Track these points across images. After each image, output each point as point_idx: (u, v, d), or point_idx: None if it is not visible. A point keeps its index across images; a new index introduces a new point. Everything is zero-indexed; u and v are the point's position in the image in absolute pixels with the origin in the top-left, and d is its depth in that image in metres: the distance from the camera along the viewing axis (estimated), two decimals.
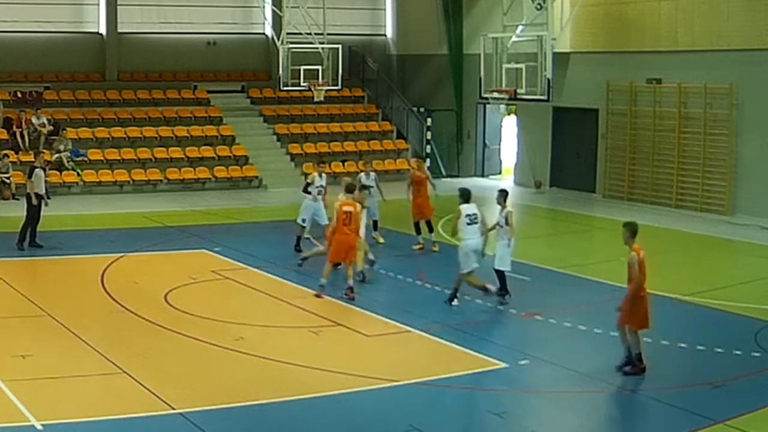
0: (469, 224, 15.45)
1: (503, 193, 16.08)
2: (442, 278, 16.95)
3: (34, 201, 19.68)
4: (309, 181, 19.74)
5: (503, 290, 15.83)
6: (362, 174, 20.59)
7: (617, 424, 11.17)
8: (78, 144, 28.81)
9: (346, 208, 16.07)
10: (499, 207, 15.95)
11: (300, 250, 19.29)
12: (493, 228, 15.91)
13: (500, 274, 15.83)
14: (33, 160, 27.07)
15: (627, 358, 12.20)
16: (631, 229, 12.31)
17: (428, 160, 32.50)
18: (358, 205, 16.33)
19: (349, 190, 16.59)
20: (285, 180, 29.28)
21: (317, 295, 15.93)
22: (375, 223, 20.51)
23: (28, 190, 20.00)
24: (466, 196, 15.71)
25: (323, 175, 19.88)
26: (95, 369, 12.02)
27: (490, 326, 14.79)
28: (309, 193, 19.53)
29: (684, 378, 12.22)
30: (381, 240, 20.52)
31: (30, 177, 20.06)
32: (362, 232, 17.40)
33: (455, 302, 15.62)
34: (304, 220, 19.60)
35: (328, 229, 17.06)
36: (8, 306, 15.03)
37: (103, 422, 10.31)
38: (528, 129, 31.18)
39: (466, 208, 15.55)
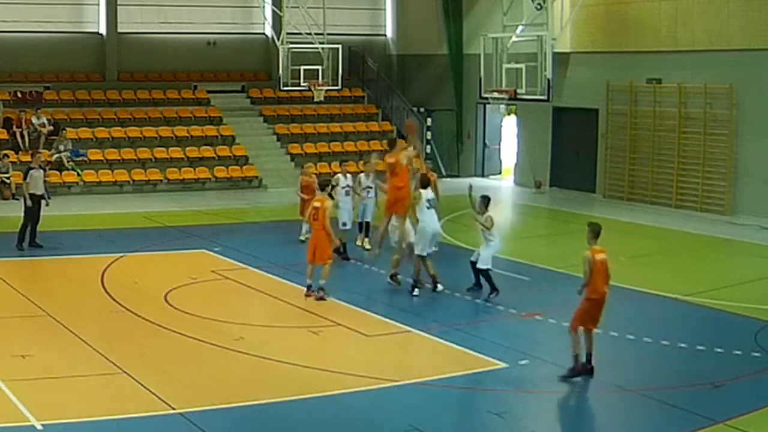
0: (428, 208, 16.05)
1: (485, 200, 16.19)
2: (443, 278, 16.96)
3: (29, 202, 19.58)
4: (333, 183, 19.26)
5: (492, 289, 15.99)
6: (362, 175, 20.34)
7: (617, 424, 11.15)
8: (78, 144, 28.82)
9: (314, 204, 16.06)
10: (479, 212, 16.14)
11: (347, 258, 18.97)
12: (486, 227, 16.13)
13: (485, 274, 15.98)
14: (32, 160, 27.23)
15: (588, 357, 12.06)
16: (593, 230, 12.15)
17: (428, 160, 32.52)
18: (328, 200, 16.13)
19: (322, 186, 16.60)
20: (285, 180, 29.27)
21: (307, 295, 15.92)
22: (367, 224, 20.16)
23: (23, 191, 19.95)
24: (425, 182, 16.43)
25: (348, 175, 19.66)
26: (95, 369, 12.01)
27: (490, 326, 14.77)
28: (331, 197, 18.76)
29: (684, 378, 12.22)
30: (368, 246, 19.88)
31: (25, 178, 19.98)
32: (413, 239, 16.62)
33: (416, 291, 16.08)
34: (345, 224, 19.25)
35: None
36: (8, 306, 15.03)
37: (103, 422, 10.30)
38: (528, 129, 31.18)
39: (426, 193, 16.20)
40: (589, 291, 11.99)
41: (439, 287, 16.31)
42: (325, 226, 15.78)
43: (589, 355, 12.09)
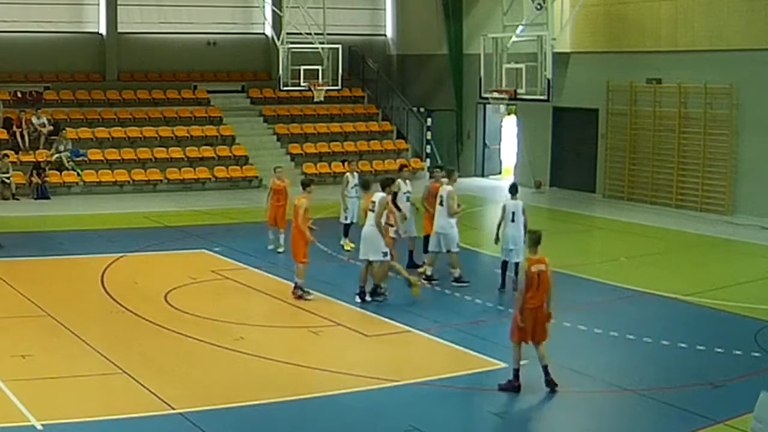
0: (371, 210, 15.71)
1: (512, 187, 16.84)
2: (443, 279, 16.97)
3: None
4: (395, 190, 18.15)
5: (501, 283, 16.38)
6: (348, 174, 20.35)
7: (617, 424, 11.16)
8: (78, 144, 28.82)
9: (295, 202, 16.04)
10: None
11: (417, 265, 17.96)
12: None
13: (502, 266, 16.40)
14: (33, 160, 27.28)
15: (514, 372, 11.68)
16: (532, 239, 11.99)
17: (428, 160, 32.57)
18: (304, 200, 15.88)
19: (305, 185, 16.37)
20: None
21: (299, 296, 15.85)
22: (347, 226, 20.01)
23: None
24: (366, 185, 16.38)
25: (408, 181, 18.66)
26: (95, 369, 12.02)
27: (490, 326, 14.76)
28: (397, 206, 17.99)
29: (684, 378, 12.22)
30: (349, 246, 19.62)
31: None
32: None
33: (372, 297, 15.66)
34: (405, 232, 18.25)
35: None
36: (8, 306, 15.03)
37: (103, 422, 10.31)
38: (528, 129, 31.18)
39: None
40: (523, 299, 11.70)
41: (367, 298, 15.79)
42: (298, 225, 15.66)
43: (516, 371, 11.64)
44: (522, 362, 12.62)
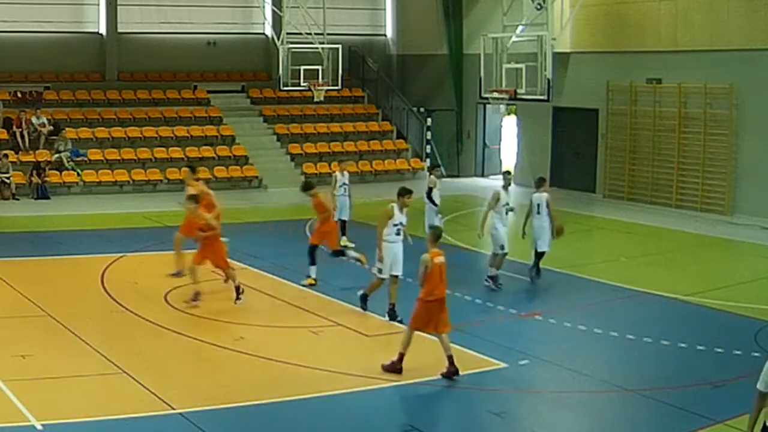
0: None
1: (540, 180, 17.85)
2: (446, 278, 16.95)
3: None
4: (431, 186, 19.02)
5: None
6: (337, 173, 20.47)
7: (617, 424, 11.16)
8: (78, 144, 28.82)
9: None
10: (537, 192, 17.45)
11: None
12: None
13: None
14: (33, 160, 27.27)
15: (449, 359, 11.90)
16: (434, 234, 12.30)
17: (428, 159, 32.56)
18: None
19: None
20: (285, 180, 29.27)
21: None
22: (343, 224, 20.11)
23: None
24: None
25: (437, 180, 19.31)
26: (95, 369, 12.02)
27: (490, 326, 14.76)
28: (432, 200, 18.72)
29: (684, 378, 12.22)
30: (350, 245, 19.44)
31: None
32: None
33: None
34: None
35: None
36: (8, 306, 15.03)
37: (103, 422, 10.31)
38: (528, 129, 31.19)
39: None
40: (425, 293, 11.94)
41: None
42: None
43: (449, 357, 11.91)
44: (522, 362, 12.66)
